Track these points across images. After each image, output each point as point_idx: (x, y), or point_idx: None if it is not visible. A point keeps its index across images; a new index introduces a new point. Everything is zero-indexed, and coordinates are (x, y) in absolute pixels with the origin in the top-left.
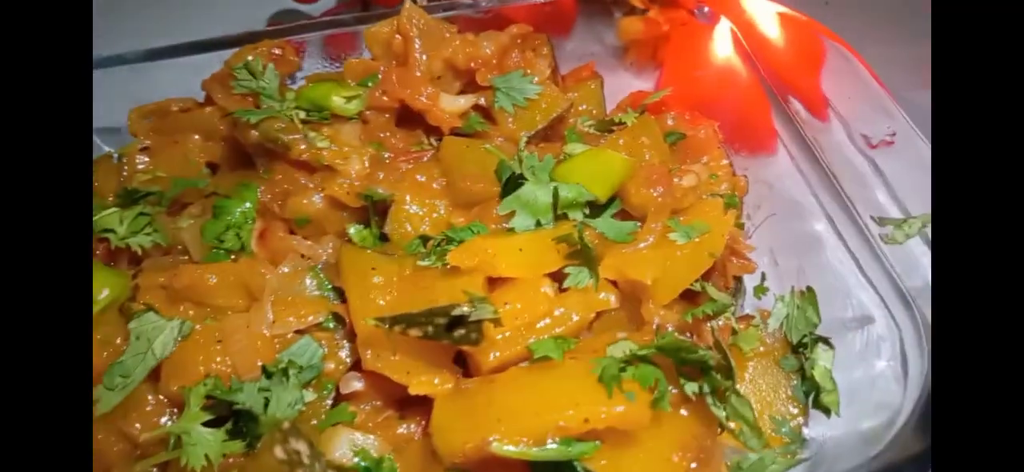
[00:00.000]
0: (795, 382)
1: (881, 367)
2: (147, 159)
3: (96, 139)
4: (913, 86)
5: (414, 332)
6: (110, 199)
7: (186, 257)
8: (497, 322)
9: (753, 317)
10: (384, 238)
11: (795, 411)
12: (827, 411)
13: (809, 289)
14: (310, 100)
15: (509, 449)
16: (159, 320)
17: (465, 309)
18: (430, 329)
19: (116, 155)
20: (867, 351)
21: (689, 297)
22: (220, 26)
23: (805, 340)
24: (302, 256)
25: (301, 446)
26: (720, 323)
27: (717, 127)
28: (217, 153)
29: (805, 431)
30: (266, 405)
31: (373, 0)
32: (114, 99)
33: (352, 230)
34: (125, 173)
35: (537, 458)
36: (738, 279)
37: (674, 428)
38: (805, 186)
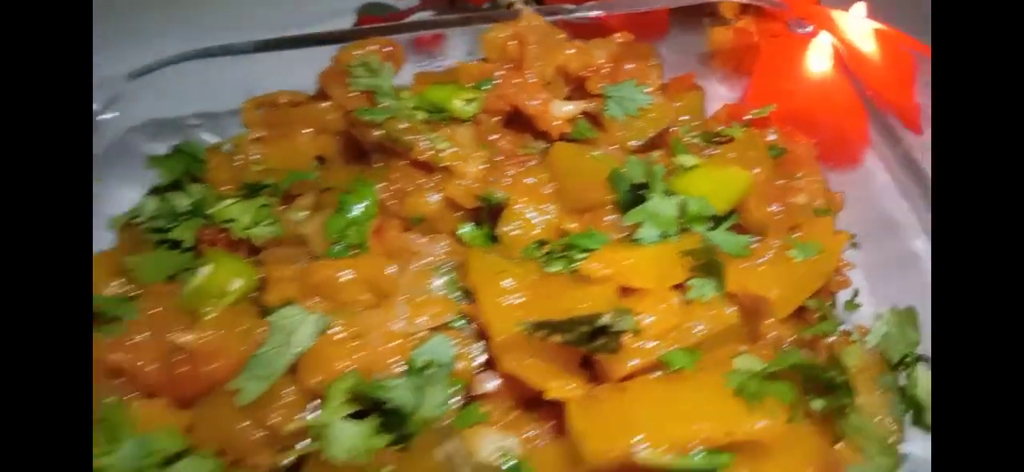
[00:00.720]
0: (892, 399)
1: None
2: (258, 150)
3: (200, 130)
4: None
5: (556, 339)
6: (223, 188)
7: (299, 249)
8: (637, 333)
9: (851, 333)
10: (494, 239)
11: (894, 428)
12: (926, 426)
13: (910, 308)
14: (431, 102)
15: (655, 457)
16: (299, 314)
17: (609, 320)
18: (572, 336)
19: (229, 145)
20: None
21: (797, 312)
22: (312, 16)
23: (906, 359)
24: (415, 254)
25: (456, 446)
26: (829, 340)
27: (813, 143)
28: (327, 147)
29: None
30: (418, 402)
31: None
32: (219, 89)
33: (464, 230)
34: (237, 163)
35: (681, 467)
36: (832, 294)
37: (805, 442)
38: (902, 199)
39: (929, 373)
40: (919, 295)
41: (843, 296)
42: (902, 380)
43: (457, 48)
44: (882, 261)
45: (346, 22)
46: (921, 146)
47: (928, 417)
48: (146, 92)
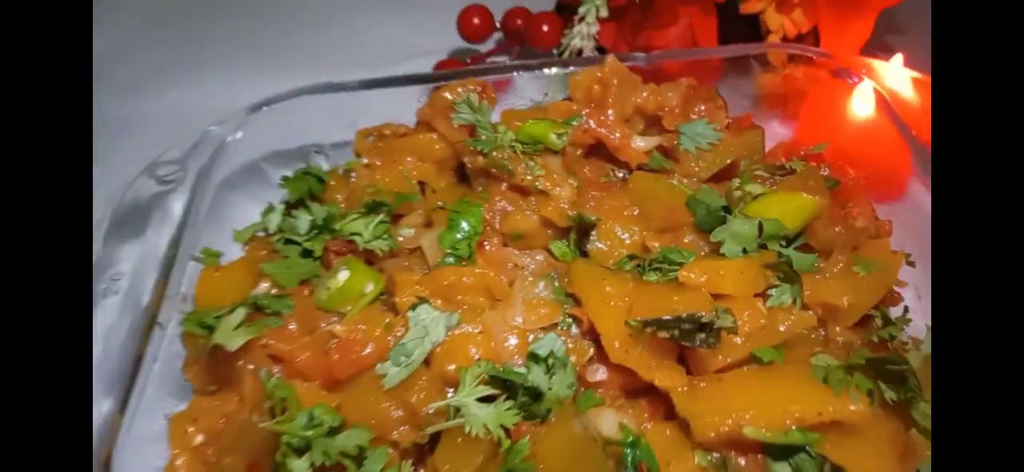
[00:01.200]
0: None
1: None
2: (370, 176)
3: (318, 155)
4: None
5: (663, 334)
6: (343, 205)
7: (413, 260)
8: (734, 331)
9: (907, 342)
10: (583, 254)
11: None
12: None
13: None
14: (530, 135)
15: (758, 433)
16: (433, 312)
17: (711, 317)
18: (677, 332)
19: (342, 170)
20: None
21: (861, 322)
22: (396, 57)
23: None
24: (516, 266)
25: (587, 420)
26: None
27: (862, 176)
28: (428, 173)
29: None
30: (549, 385)
31: (529, 43)
32: (329, 118)
33: (554, 245)
34: (352, 185)
35: (779, 441)
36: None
37: (885, 425)
38: None
39: None
40: None
41: (895, 312)
42: None
43: (524, 88)
44: (928, 281)
45: (427, 63)
46: None
47: None
48: (265, 122)
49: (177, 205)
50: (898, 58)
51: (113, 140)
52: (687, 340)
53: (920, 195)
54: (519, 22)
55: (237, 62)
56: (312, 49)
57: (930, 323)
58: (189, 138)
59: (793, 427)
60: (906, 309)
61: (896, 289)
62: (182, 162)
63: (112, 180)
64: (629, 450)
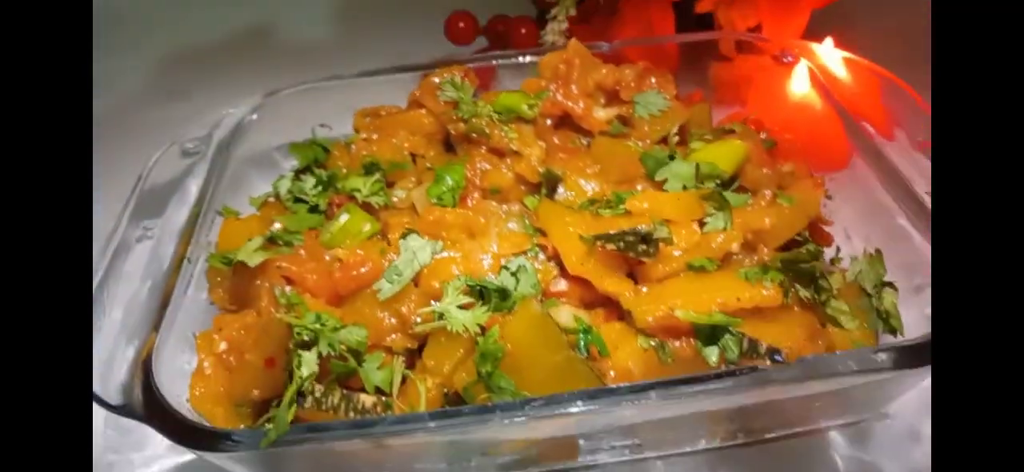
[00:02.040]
0: (867, 312)
1: None
2: (367, 147)
3: (323, 129)
4: None
5: (611, 246)
6: (345, 170)
7: (404, 212)
8: (669, 242)
9: (833, 270)
10: None
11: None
12: (894, 331)
13: (877, 250)
14: (504, 105)
15: (687, 315)
16: (420, 240)
17: (651, 229)
18: (622, 244)
19: (344, 141)
20: (922, 297)
21: (789, 249)
22: (393, 58)
23: (876, 286)
24: (494, 214)
25: (540, 308)
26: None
27: (797, 139)
28: (419, 145)
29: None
30: (516, 285)
31: (511, 44)
32: (332, 105)
33: (527, 200)
34: (352, 153)
35: (706, 321)
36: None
37: (796, 313)
38: (877, 184)
39: (894, 293)
40: (891, 250)
41: (828, 254)
42: (875, 301)
43: (504, 83)
44: (866, 238)
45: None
46: (893, 147)
47: (894, 322)
48: (276, 107)
49: (201, 172)
50: (829, 41)
51: (133, 136)
52: (631, 250)
53: (855, 160)
54: (500, 27)
55: (239, 74)
56: (309, 61)
57: (856, 255)
58: (211, 119)
59: (717, 311)
60: (838, 249)
61: (825, 229)
62: (205, 138)
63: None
64: (582, 336)
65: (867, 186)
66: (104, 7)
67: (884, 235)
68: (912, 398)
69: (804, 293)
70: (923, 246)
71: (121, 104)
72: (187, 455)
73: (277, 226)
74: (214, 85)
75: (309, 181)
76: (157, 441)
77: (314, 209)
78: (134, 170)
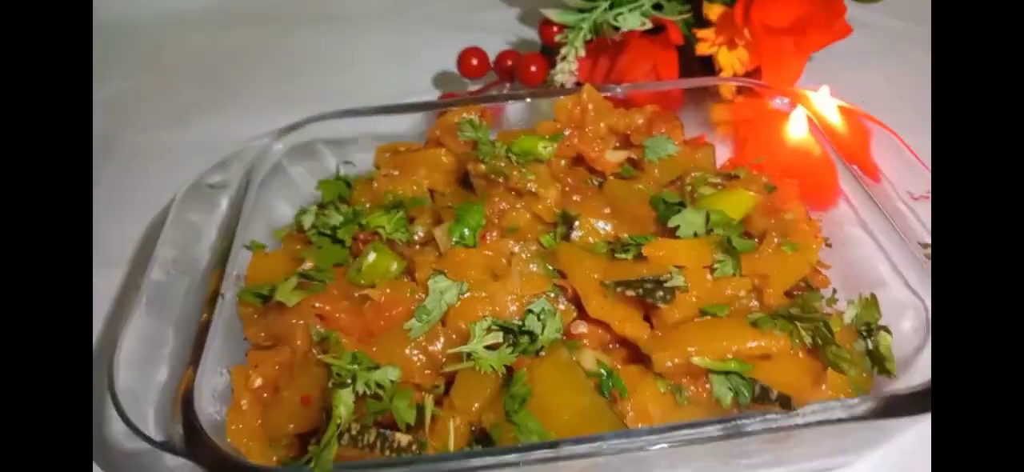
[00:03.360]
0: (862, 355)
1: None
2: (388, 184)
3: (346, 165)
4: None
5: (629, 291)
6: (368, 206)
7: (427, 248)
8: (685, 290)
9: (831, 313)
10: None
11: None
12: (888, 373)
13: (872, 295)
14: (522, 148)
15: (703, 362)
16: (447, 281)
17: (667, 277)
18: (640, 290)
19: (365, 177)
20: (915, 338)
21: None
22: (402, 92)
23: (871, 328)
24: (513, 254)
25: (571, 354)
26: None
27: (796, 183)
28: (438, 182)
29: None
30: (542, 329)
31: (520, 80)
32: (349, 136)
33: (543, 238)
34: (375, 189)
35: (720, 368)
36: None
37: (799, 357)
38: (864, 229)
39: (889, 337)
40: (877, 289)
41: (826, 294)
42: (870, 344)
43: (514, 118)
44: (854, 277)
45: (432, 96)
46: (880, 190)
47: (889, 365)
48: (295, 140)
49: (225, 208)
50: (825, 89)
51: (147, 166)
52: (648, 296)
53: (844, 205)
54: (510, 63)
55: (250, 103)
56: (325, 93)
57: (853, 299)
58: (232, 152)
59: (731, 358)
60: (834, 291)
61: (823, 272)
62: (227, 171)
63: (148, 197)
64: (605, 380)
65: (855, 231)
66: (108, 25)
67: (871, 280)
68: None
69: (808, 339)
70: (903, 292)
71: (133, 128)
72: None
73: (307, 264)
74: (222, 109)
75: (334, 216)
76: None
77: (338, 242)
78: (149, 196)
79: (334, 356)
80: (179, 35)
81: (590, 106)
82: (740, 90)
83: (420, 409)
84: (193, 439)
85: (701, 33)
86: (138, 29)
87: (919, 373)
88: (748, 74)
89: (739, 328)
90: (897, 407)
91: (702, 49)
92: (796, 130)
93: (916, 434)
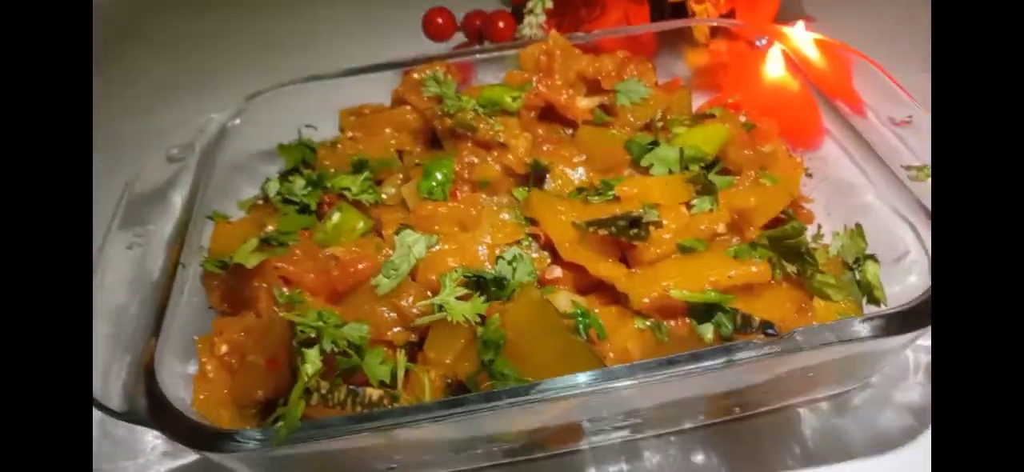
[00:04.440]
0: (850, 285)
1: (912, 280)
2: (353, 146)
3: (308, 129)
4: (915, 71)
5: (602, 231)
6: (333, 170)
7: (396, 208)
8: (659, 225)
9: (816, 246)
10: None
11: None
12: (877, 302)
13: (858, 225)
14: (488, 99)
15: (681, 294)
16: (415, 234)
17: (641, 213)
18: (614, 228)
19: (330, 141)
20: (902, 269)
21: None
22: (371, 54)
23: (858, 259)
24: (483, 207)
25: (540, 294)
26: None
27: (775, 121)
28: (404, 141)
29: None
30: (513, 273)
31: (489, 38)
32: (314, 105)
33: (516, 191)
34: (339, 153)
35: (700, 299)
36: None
37: (784, 288)
38: (850, 162)
39: (876, 265)
40: (863, 220)
41: (812, 231)
42: (858, 275)
43: (483, 78)
44: (843, 214)
45: None
46: (864, 123)
47: (878, 294)
48: (258, 110)
49: (187, 179)
50: (800, 24)
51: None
52: (622, 234)
53: (828, 142)
54: (477, 22)
55: (214, 86)
56: (287, 58)
57: (838, 230)
58: (195, 124)
59: (710, 289)
60: (820, 227)
61: (806, 207)
62: (190, 144)
63: (109, 183)
64: (580, 320)
65: (841, 164)
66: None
67: (859, 211)
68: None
69: (791, 268)
70: (894, 221)
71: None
72: (181, 461)
73: (270, 228)
74: (190, 87)
75: (298, 182)
76: (150, 449)
77: (304, 209)
78: (117, 176)
79: (298, 313)
80: (147, 19)
81: (557, 53)
82: (714, 32)
83: (392, 365)
84: (157, 409)
85: None
86: (108, 13)
87: (910, 295)
88: (723, 17)
89: (718, 260)
90: (890, 326)
91: None
92: (774, 68)
93: (908, 362)
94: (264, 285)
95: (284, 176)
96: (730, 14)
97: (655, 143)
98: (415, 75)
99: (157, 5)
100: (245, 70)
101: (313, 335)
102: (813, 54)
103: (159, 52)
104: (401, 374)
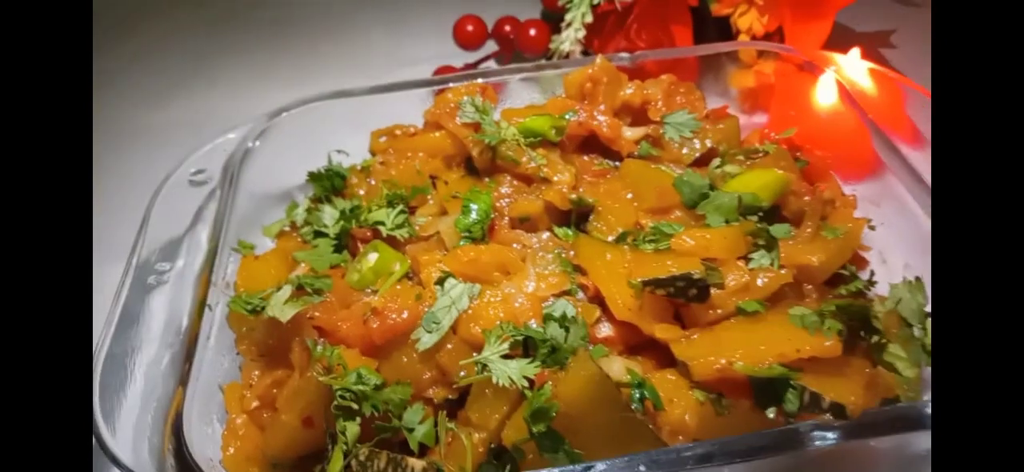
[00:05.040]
0: (911, 345)
1: None
2: (385, 172)
3: (339, 154)
4: None
5: (660, 291)
6: (364, 199)
7: (431, 243)
8: (721, 287)
9: (873, 299)
10: (583, 234)
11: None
12: None
13: (917, 278)
14: (530, 129)
15: (747, 368)
16: (457, 283)
17: (701, 274)
18: (672, 289)
19: (360, 165)
20: None
21: (832, 282)
22: (396, 65)
23: (919, 317)
24: (524, 245)
25: (599, 365)
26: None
27: (828, 156)
28: (438, 167)
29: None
30: (565, 338)
31: (520, 47)
32: (342, 122)
33: (557, 229)
34: (371, 180)
35: (766, 375)
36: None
37: (854, 362)
38: (909, 196)
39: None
40: (921, 269)
41: (863, 275)
42: (917, 332)
43: (518, 90)
44: (896, 243)
45: (425, 71)
46: (918, 157)
47: None
48: (281, 127)
49: (209, 204)
50: (855, 52)
51: (135, 148)
52: (681, 296)
53: (884, 173)
54: (508, 29)
55: (242, 76)
56: (315, 63)
57: (898, 282)
58: (214, 143)
59: (776, 363)
60: (872, 273)
61: (862, 253)
62: (209, 161)
63: (135, 184)
64: (636, 390)
65: (899, 202)
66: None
67: (914, 256)
68: None
69: (863, 340)
70: None
71: (116, 108)
72: None
73: (302, 268)
74: (214, 88)
75: (327, 211)
76: None
77: (335, 242)
78: (133, 181)
79: (337, 377)
80: (162, 8)
81: (603, 78)
82: (762, 55)
83: (432, 428)
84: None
85: None
86: (118, 2)
87: None
88: (769, 36)
89: (784, 330)
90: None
91: (718, 9)
92: (826, 97)
93: None
94: (298, 338)
95: (314, 202)
96: (777, 33)
97: (712, 187)
98: (449, 95)
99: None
100: (261, 79)
101: (354, 404)
102: (867, 83)
103: (174, 46)
104: (443, 438)
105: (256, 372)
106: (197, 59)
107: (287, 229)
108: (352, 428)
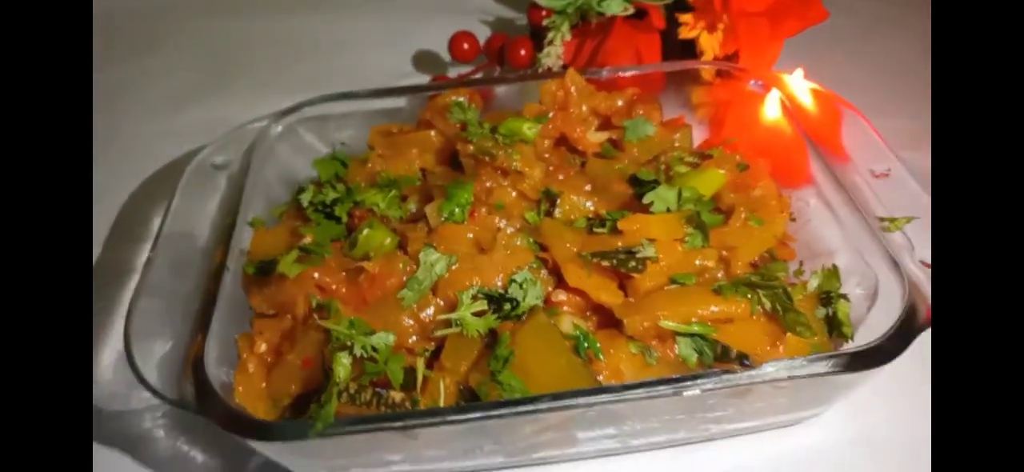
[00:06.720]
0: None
1: (878, 320)
2: (382, 163)
3: (342, 146)
4: (907, 147)
5: (604, 262)
6: (363, 184)
7: (418, 225)
8: (655, 260)
9: (796, 282)
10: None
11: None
12: (846, 337)
13: (834, 266)
14: (508, 128)
15: (670, 325)
16: (437, 254)
17: (638, 248)
18: (615, 260)
19: (360, 157)
20: (872, 307)
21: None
22: (401, 81)
23: (831, 297)
24: (499, 229)
25: (550, 318)
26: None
27: (768, 163)
28: (428, 162)
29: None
30: (524, 296)
31: (509, 61)
32: (345, 119)
33: (528, 214)
34: (368, 169)
35: (685, 330)
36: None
37: (760, 321)
38: (828, 206)
39: (847, 304)
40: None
41: (793, 266)
42: (829, 312)
43: (504, 100)
44: (818, 250)
45: (423, 79)
46: (844, 169)
47: (846, 330)
48: (294, 121)
49: (227, 188)
50: (799, 72)
51: (161, 146)
52: (622, 266)
53: (819, 180)
54: (499, 46)
55: (247, 88)
56: (318, 78)
57: (816, 270)
58: (234, 131)
59: (695, 321)
60: (801, 263)
61: (789, 245)
62: (228, 152)
63: (150, 177)
64: (581, 341)
65: (822, 209)
66: (105, 12)
67: (837, 253)
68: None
69: (767, 305)
70: (865, 266)
71: (133, 114)
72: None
73: (307, 239)
74: (222, 95)
75: (330, 194)
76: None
77: (335, 218)
78: (152, 177)
79: (333, 322)
80: (176, 22)
81: (573, 89)
82: (719, 73)
83: (412, 371)
84: (205, 397)
85: (682, 17)
86: (135, 16)
87: (870, 334)
88: (727, 57)
89: (704, 295)
90: (848, 364)
91: (684, 33)
92: (770, 112)
93: (869, 390)
94: (301, 292)
95: (318, 186)
96: (735, 55)
97: (657, 181)
98: (441, 100)
99: (186, 9)
100: (275, 78)
101: (346, 342)
102: (807, 101)
103: (188, 58)
104: (420, 379)
105: (265, 323)
106: (218, 70)
107: (294, 210)
108: (344, 364)
